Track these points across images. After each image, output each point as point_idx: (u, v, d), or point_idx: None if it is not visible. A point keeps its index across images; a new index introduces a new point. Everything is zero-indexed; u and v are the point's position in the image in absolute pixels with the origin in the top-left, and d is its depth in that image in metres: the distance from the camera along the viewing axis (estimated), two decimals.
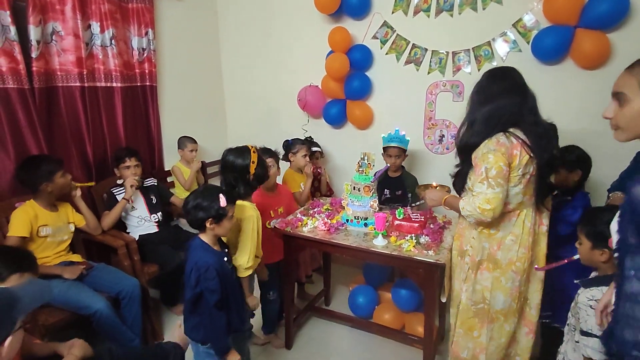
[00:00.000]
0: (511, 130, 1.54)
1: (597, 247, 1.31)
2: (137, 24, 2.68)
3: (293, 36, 3.15)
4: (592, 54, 2.19)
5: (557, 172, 1.71)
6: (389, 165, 2.50)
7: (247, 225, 1.74)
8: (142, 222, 2.54)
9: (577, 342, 1.36)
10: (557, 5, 2.18)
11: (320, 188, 2.94)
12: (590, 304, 1.28)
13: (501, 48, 2.48)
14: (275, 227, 2.12)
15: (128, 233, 2.49)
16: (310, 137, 3.03)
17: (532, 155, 1.50)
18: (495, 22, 2.46)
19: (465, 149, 1.59)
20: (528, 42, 2.38)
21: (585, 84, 2.30)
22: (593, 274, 1.41)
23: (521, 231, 1.56)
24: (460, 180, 1.67)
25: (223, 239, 1.69)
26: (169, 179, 3.02)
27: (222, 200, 1.51)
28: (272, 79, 3.33)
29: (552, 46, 2.26)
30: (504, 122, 1.53)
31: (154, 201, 2.61)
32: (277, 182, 2.32)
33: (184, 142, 2.95)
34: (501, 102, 1.54)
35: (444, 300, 1.83)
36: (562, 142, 2.39)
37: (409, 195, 2.56)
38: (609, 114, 1.03)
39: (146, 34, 2.73)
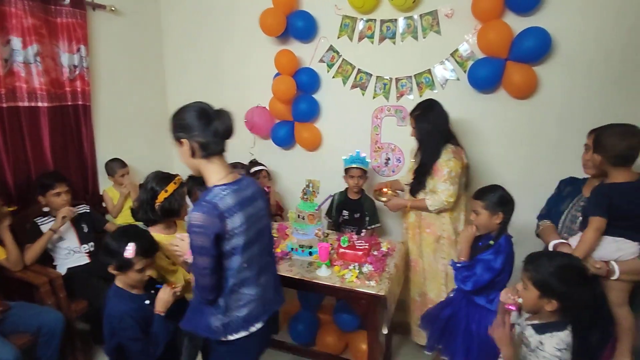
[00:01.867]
0: (452, 141, 2.15)
1: (545, 297, 1.25)
2: (68, 39, 2.49)
3: (240, 57, 3.10)
4: (521, 85, 2.33)
5: (478, 214, 1.69)
6: (333, 194, 2.48)
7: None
8: (72, 254, 2.34)
9: None
10: (489, 38, 2.31)
11: (270, 208, 2.88)
12: (558, 354, 1.24)
13: (440, 76, 2.58)
14: None
15: (55, 266, 2.28)
16: (254, 159, 2.97)
17: (466, 158, 2.18)
18: (434, 51, 2.56)
19: (430, 161, 2.12)
20: (465, 72, 2.49)
21: (517, 112, 2.44)
22: (528, 318, 1.38)
23: (462, 208, 2.21)
24: (418, 186, 2.18)
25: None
26: (105, 204, 2.82)
27: (129, 250, 1.39)
28: (220, 99, 3.13)
29: (485, 76, 2.38)
30: (447, 137, 2.14)
31: (86, 230, 2.41)
32: None
33: (112, 167, 2.76)
34: (441, 123, 2.14)
35: (385, 332, 1.83)
36: (494, 167, 2.55)
37: (367, 218, 2.58)
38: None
39: (78, 50, 2.55)
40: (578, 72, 2.27)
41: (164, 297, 1.51)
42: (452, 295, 1.89)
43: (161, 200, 1.69)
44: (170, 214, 1.76)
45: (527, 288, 1.29)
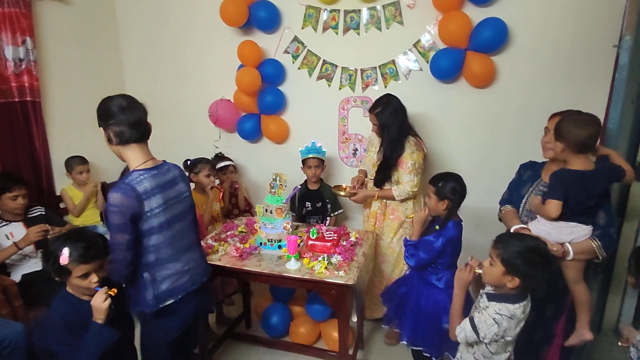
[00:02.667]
0: (411, 132, 2.27)
1: (509, 274, 1.33)
2: (11, 30, 2.32)
3: (201, 48, 3.00)
4: (481, 75, 2.40)
5: (429, 198, 1.79)
6: (299, 186, 2.49)
7: None
8: (27, 260, 2.22)
9: (472, 346, 1.46)
10: (450, 29, 2.36)
11: (238, 204, 2.85)
12: (495, 317, 1.34)
13: (404, 66, 2.61)
14: None
15: (9, 274, 2.15)
16: (220, 153, 2.90)
17: (425, 148, 2.30)
18: (397, 42, 2.59)
19: (395, 155, 2.21)
20: (427, 62, 2.54)
21: (477, 101, 2.52)
22: (488, 289, 1.48)
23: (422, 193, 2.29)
24: (384, 179, 2.28)
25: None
26: (62, 205, 2.68)
27: (63, 255, 1.30)
28: (182, 92, 3.14)
29: (447, 66, 2.43)
30: (407, 129, 2.25)
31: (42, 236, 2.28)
32: None
33: (71, 164, 2.62)
34: (402, 117, 2.21)
35: (354, 319, 1.87)
36: (456, 155, 2.63)
37: (329, 205, 2.64)
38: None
39: (23, 42, 2.38)
40: (533, 62, 2.36)
41: (96, 304, 1.36)
42: (407, 273, 2.01)
43: None
44: None
45: (495, 264, 1.37)
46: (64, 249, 1.31)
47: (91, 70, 2.97)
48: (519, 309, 1.36)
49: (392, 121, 2.19)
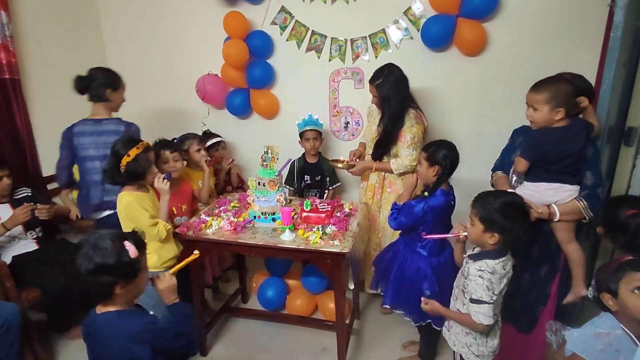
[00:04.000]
0: (412, 104, 2.19)
1: (489, 230, 1.38)
2: None
3: (186, 20, 2.89)
4: (472, 42, 2.37)
5: (420, 164, 1.79)
6: (291, 159, 2.45)
7: (131, 213, 1.80)
8: (16, 241, 2.18)
9: (458, 309, 1.49)
10: None
11: (231, 181, 2.81)
12: (479, 274, 1.39)
13: (395, 35, 2.56)
14: (175, 232, 1.97)
15: None
16: (208, 130, 2.85)
17: (426, 121, 2.23)
18: (387, 10, 2.53)
19: (395, 129, 2.15)
20: (418, 30, 2.49)
21: (468, 69, 2.49)
22: (476, 250, 1.53)
23: None
24: (382, 151, 2.23)
25: None
26: (50, 186, 2.62)
27: (132, 249, 1.14)
28: (167, 67, 3.04)
29: (438, 34, 2.40)
30: (408, 101, 2.18)
31: (29, 215, 2.23)
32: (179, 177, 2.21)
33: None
34: (404, 88, 2.14)
35: (351, 287, 1.89)
36: (448, 124, 2.62)
37: (327, 179, 2.63)
38: (530, 114, 1.60)
39: None
40: (523, 26, 2.34)
41: (165, 286, 1.29)
42: (395, 239, 2.03)
43: (124, 164, 1.77)
44: (135, 177, 1.82)
45: (474, 224, 1.42)
46: (125, 243, 1.15)
47: (71, 45, 2.85)
48: (498, 265, 1.39)
49: (394, 93, 2.10)
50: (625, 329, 1.14)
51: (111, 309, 1.17)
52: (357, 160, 2.38)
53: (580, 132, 1.55)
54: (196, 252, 1.47)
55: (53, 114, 2.66)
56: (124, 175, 1.79)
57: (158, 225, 1.84)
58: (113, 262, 1.10)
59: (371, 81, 2.17)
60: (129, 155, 1.76)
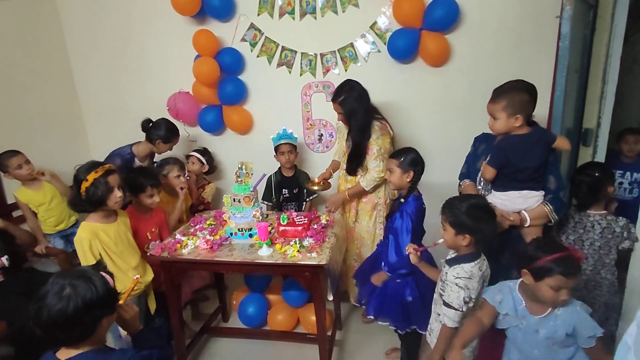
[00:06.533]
0: (375, 116, 2.23)
1: (460, 233, 1.44)
2: None
3: (154, 40, 2.89)
4: (436, 53, 2.47)
5: (392, 172, 1.83)
6: (265, 174, 2.45)
7: (79, 249, 1.73)
8: None
9: (439, 314, 1.53)
10: (403, 9, 2.40)
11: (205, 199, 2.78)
12: (457, 281, 1.44)
13: (362, 49, 2.64)
14: (151, 254, 1.93)
15: None
16: (203, 147, 2.84)
17: (392, 130, 2.28)
18: (355, 25, 2.61)
19: (363, 141, 2.19)
20: (385, 43, 2.57)
21: (434, 80, 2.59)
22: (453, 254, 1.58)
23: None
24: (356, 164, 2.26)
25: None
26: (15, 214, 2.52)
27: (109, 279, 1.13)
28: (137, 87, 3.01)
29: (403, 47, 2.48)
30: (371, 113, 2.21)
31: None
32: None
33: (3, 161, 2.26)
34: (365, 101, 2.18)
35: (330, 298, 1.90)
36: (414, 133, 2.70)
37: (305, 191, 2.66)
38: (491, 125, 1.71)
39: None
40: (483, 38, 2.46)
41: (132, 315, 1.24)
42: (376, 249, 2.07)
43: (83, 190, 1.70)
44: (96, 203, 1.74)
45: (446, 229, 1.49)
46: (101, 275, 1.11)
47: (38, 69, 2.79)
48: (475, 267, 1.45)
49: (358, 107, 2.15)
50: (520, 294, 1.37)
51: (83, 350, 1.07)
52: (326, 182, 2.44)
53: (539, 141, 1.64)
54: (137, 276, 1.50)
55: (16, 138, 2.58)
56: (85, 202, 1.71)
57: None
58: (102, 293, 1.05)
59: (334, 99, 2.21)
60: (86, 180, 1.69)
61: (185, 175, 2.44)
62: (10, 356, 2.20)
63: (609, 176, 1.88)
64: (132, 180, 2.04)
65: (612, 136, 2.36)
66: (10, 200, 2.50)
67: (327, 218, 2.21)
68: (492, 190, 1.79)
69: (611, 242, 1.81)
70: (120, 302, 1.22)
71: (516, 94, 1.61)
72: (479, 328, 1.43)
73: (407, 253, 1.69)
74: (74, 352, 1.08)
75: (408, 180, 1.80)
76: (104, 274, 1.12)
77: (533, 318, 1.34)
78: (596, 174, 1.85)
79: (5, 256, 2.16)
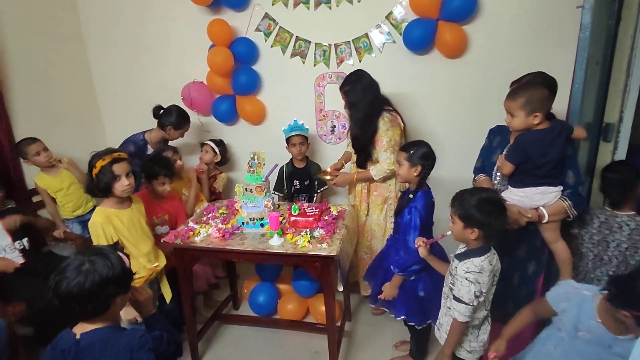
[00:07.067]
0: (386, 107, 2.19)
1: (468, 227, 1.42)
2: None
3: (169, 29, 2.90)
4: (453, 44, 2.42)
5: (401, 165, 1.80)
6: (277, 165, 2.46)
7: (93, 233, 1.77)
8: (2, 253, 2.15)
9: (449, 308, 1.52)
10: None
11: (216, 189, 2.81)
12: (467, 276, 1.42)
13: (377, 40, 2.60)
14: (163, 241, 1.96)
15: None
16: (218, 139, 2.85)
17: (403, 122, 2.25)
18: (370, 15, 2.57)
19: (366, 133, 2.15)
20: (400, 34, 2.53)
21: (449, 71, 2.54)
22: (462, 249, 1.57)
23: None
24: (363, 157, 2.26)
25: None
26: (35, 199, 2.59)
27: (126, 259, 1.17)
28: (152, 76, 3.04)
29: (419, 37, 2.44)
30: (380, 105, 2.18)
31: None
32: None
33: (22, 148, 2.33)
34: (372, 93, 2.13)
35: (340, 289, 1.90)
36: (428, 125, 2.66)
37: (316, 182, 2.66)
38: (508, 122, 1.65)
39: None
40: (501, 29, 2.39)
41: (145, 297, 1.28)
42: (386, 244, 2.06)
43: (93, 176, 1.73)
44: (104, 190, 1.77)
45: (455, 222, 1.47)
46: (120, 256, 1.17)
47: (54, 58, 2.84)
48: (485, 261, 1.43)
49: (360, 99, 2.12)
50: (598, 309, 1.26)
51: (98, 325, 1.13)
52: (338, 171, 2.43)
53: (560, 136, 1.59)
54: (155, 264, 1.55)
55: (36, 126, 2.64)
56: (97, 188, 1.75)
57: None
58: (118, 272, 1.11)
59: (340, 88, 2.21)
60: (95, 167, 1.72)
61: (180, 158, 2.48)
62: (30, 336, 2.29)
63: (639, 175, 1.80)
64: (149, 168, 2.13)
65: (634, 131, 2.28)
66: (30, 185, 2.57)
67: (338, 209, 2.21)
68: (509, 187, 1.76)
69: (639, 244, 1.75)
70: (140, 284, 1.28)
71: (535, 90, 1.56)
72: (530, 321, 1.44)
73: (416, 247, 1.69)
74: (88, 327, 1.13)
75: (415, 174, 1.78)
76: (120, 254, 1.17)
77: (609, 334, 1.23)
78: (629, 173, 1.77)
79: (26, 238, 2.24)
